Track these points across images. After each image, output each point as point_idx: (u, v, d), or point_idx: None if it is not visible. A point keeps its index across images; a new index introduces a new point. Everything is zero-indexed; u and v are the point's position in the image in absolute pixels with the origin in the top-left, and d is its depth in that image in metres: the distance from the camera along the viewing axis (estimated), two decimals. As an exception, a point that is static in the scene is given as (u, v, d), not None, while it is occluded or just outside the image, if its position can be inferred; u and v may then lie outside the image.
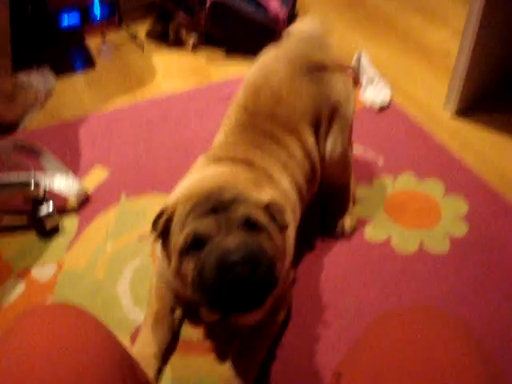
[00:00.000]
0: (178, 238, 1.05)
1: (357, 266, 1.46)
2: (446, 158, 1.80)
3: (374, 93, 2.04)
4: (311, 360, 1.24)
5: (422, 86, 2.15)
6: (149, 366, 1.18)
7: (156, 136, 1.92)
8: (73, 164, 1.79)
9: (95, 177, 1.74)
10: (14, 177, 1.60)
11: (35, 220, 1.55)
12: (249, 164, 1.28)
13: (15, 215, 1.61)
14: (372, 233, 1.55)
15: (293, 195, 1.32)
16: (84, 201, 1.65)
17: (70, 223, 1.59)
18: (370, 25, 2.59)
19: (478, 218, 1.58)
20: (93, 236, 1.56)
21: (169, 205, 1.11)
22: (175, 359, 1.25)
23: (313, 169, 1.40)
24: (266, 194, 1.15)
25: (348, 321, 1.33)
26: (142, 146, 1.88)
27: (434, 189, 1.68)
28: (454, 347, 0.69)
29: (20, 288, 1.42)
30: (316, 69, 1.42)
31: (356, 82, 2.13)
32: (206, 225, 1.02)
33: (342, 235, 1.54)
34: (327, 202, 1.60)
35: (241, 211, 1.03)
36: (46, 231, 1.55)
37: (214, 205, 1.04)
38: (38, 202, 1.55)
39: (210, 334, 1.30)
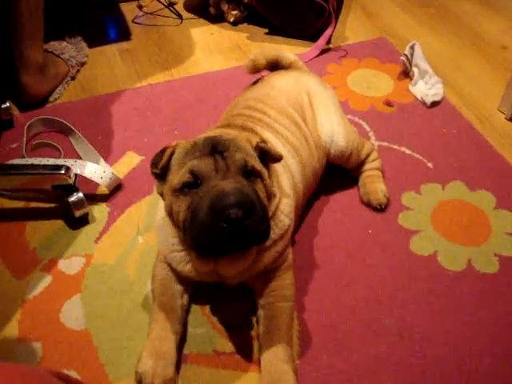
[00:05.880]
0: (175, 176, 1.07)
1: (401, 280, 1.38)
2: (498, 166, 1.68)
3: (426, 86, 1.92)
4: (349, 386, 1.18)
5: (476, 83, 2.02)
6: (168, 363, 1.15)
7: (192, 120, 1.83)
8: (104, 148, 1.71)
9: (127, 164, 1.66)
10: (44, 160, 1.52)
11: (64, 207, 1.48)
12: (247, 130, 1.31)
13: (44, 201, 1.54)
14: (418, 245, 1.46)
15: (293, 164, 1.36)
16: (115, 189, 1.57)
17: (99, 212, 1.52)
18: (422, 10, 2.45)
19: (531, 237, 1.48)
20: (123, 228, 1.49)
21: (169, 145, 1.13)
22: (188, 371, 1.20)
23: (311, 148, 1.44)
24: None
25: (389, 343, 1.25)
26: (177, 132, 1.79)
27: (484, 201, 1.57)
28: None
29: (46, 280, 1.37)
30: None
31: (406, 72, 2.01)
32: (204, 165, 1.04)
33: (380, 207, 1.53)
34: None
35: (238, 157, 1.06)
36: (75, 220, 1.48)
37: (212, 147, 1.06)
38: (68, 188, 1.47)
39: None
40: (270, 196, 1.15)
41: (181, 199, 1.06)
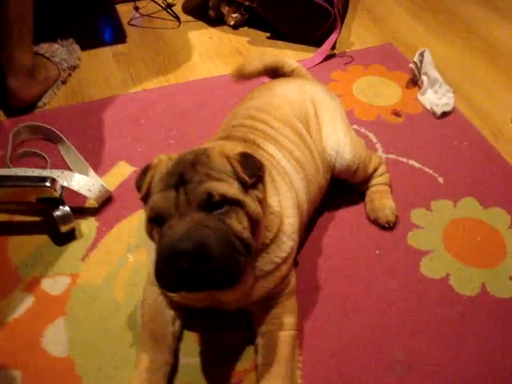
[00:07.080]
0: (149, 204, 0.97)
1: (411, 305, 1.29)
2: (512, 182, 1.59)
3: (435, 96, 1.83)
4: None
5: (488, 93, 1.93)
6: None
7: (189, 128, 1.74)
8: (94, 157, 1.62)
9: (118, 175, 1.57)
10: (29, 170, 1.42)
11: (49, 222, 1.39)
12: (249, 142, 1.24)
13: (28, 214, 1.45)
14: (429, 267, 1.36)
15: (298, 181, 1.27)
16: (105, 202, 1.47)
17: (87, 228, 1.43)
18: (430, 15, 2.37)
19: (548, 259, 1.39)
20: (113, 245, 1.39)
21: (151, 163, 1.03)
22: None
23: (316, 163, 1.35)
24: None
25: (398, 376, 1.15)
26: (172, 141, 1.69)
27: (498, 219, 1.48)
28: None
29: (28, 301, 1.27)
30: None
31: (415, 81, 1.92)
32: (164, 201, 0.93)
33: (388, 225, 1.44)
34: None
35: (201, 189, 0.93)
36: (61, 235, 1.38)
37: (179, 176, 0.94)
38: (54, 201, 1.37)
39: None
40: (257, 222, 0.99)
41: (154, 231, 0.98)
